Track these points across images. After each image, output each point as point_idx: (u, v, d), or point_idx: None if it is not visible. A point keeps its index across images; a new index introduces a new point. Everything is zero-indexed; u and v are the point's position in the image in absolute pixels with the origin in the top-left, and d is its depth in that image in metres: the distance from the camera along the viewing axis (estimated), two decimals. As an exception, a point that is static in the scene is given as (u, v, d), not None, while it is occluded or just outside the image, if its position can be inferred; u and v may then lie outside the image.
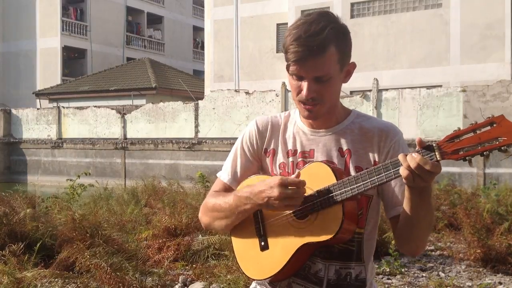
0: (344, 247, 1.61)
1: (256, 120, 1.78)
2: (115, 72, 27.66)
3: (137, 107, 21.58)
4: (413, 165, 1.39)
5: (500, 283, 5.39)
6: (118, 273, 4.35)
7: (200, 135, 19.64)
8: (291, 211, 1.58)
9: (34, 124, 23.26)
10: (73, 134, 22.32)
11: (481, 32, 17.91)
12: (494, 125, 1.34)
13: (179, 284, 5.08)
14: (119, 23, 33.30)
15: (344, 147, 1.66)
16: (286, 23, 20.89)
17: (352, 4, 20.13)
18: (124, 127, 21.12)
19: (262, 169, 1.76)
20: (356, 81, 17.48)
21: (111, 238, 5.25)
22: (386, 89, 17.29)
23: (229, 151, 1.83)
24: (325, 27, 1.54)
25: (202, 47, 31.88)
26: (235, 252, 1.72)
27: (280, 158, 1.71)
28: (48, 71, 30.30)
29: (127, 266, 4.47)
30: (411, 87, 17.17)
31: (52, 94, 27.01)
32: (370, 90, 17.15)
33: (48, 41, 30.29)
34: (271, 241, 1.62)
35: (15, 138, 23.59)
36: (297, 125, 1.73)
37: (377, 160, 1.64)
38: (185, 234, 6.29)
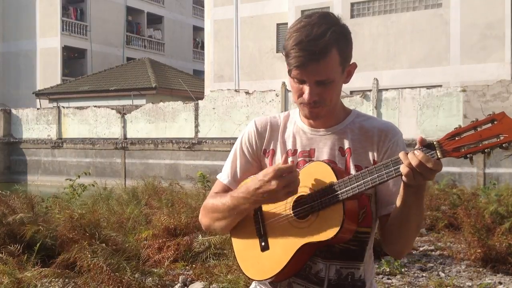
0: (345, 247, 1.60)
1: (255, 121, 1.77)
2: (115, 72, 27.66)
3: (137, 107, 21.58)
4: (414, 162, 1.38)
5: (500, 283, 5.39)
6: (117, 273, 4.34)
7: (200, 135, 19.64)
8: (292, 212, 1.57)
9: (34, 124, 23.26)
10: (73, 134, 22.32)
11: (481, 32, 17.91)
12: (495, 122, 1.33)
13: (179, 284, 5.08)
14: (119, 23, 33.30)
15: (345, 146, 1.66)
16: (286, 23, 20.89)
17: (352, 4, 20.12)
18: (124, 127, 21.12)
19: (261, 170, 1.73)
20: (356, 81, 17.47)
21: (110, 238, 5.25)
22: (386, 89, 17.29)
23: (229, 151, 1.83)
24: (326, 30, 1.53)
25: (202, 47, 31.88)
26: (235, 253, 1.72)
27: (279, 158, 1.70)
28: (48, 71, 30.30)
29: (126, 266, 4.47)
30: (411, 87, 17.17)
31: (52, 94, 27.02)
32: (370, 90, 17.15)
33: (48, 41, 30.29)
34: (271, 241, 1.61)
35: (15, 138, 23.60)
36: (297, 125, 1.73)
37: (376, 159, 1.64)
38: (185, 234, 6.28)
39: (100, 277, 4.29)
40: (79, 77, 28.86)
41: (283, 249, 1.58)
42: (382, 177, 1.47)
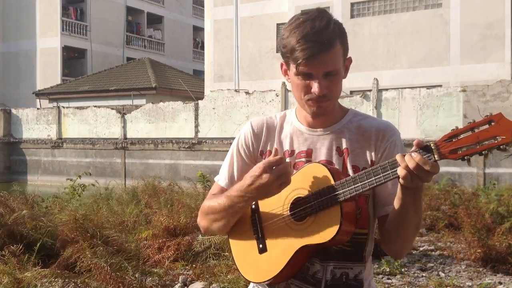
0: (339, 248, 1.60)
1: (251, 122, 1.76)
2: (115, 72, 27.66)
3: (137, 107, 21.58)
4: (411, 165, 1.38)
5: (500, 283, 5.39)
6: (118, 273, 4.34)
7: (200, 135, 19.64)
8: (289, 214, 1.57)
9: (34, 124, 23.26)
10: (73, 134, 22.32)
11: (481, 32, 17.91)
12: (493, 123, 1.32)
13: (179, 284, 5.08)
14: (119, 23, 33.30)
15: (342, 146, 1.65)
16: (285, 25, 20.84)
17: (352, 4, 20.12)
18: (124, 127, 21.12)
19: None
20: (356, 81, 17.58)
21: (111, 238, 5.25)
22: (386, 89, 17.28)
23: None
24: (329, 22, 1.55)
25: (202, 47, 31.88)
26: (233, 255, 1.71)
27: None
28: (48, 71, 30.30)
29: (127, 266, 4.47)
30: (411, 87, 17.16)
31: (52, 94, 27.02)
32: (370, 90, 17.15)
33: (48, 41, 30.29)
34: (269, 243, 1.61)
35: (15, 138, 23.60)
36: (293, 125, 1.71)
37: (373, 159, 1.63)
38: (185, 234, 6.29)
39: (101, 277, 4.29)
40: (79, 77, 28.85)
41: (281, 251, 1.57)
42: (379, 179, 1.46)
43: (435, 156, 1.38)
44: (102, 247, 4.60)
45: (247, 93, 19.16)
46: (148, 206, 8.35)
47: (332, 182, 1.51)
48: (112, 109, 21.72)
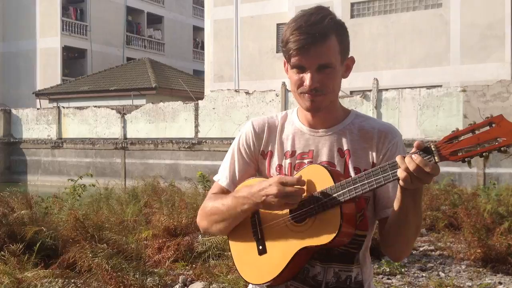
0: (345, 250, 1.59)
1: (252, 122, 1.75)
2: (115, 72, 27.66)
3: (137, 107, 21.58)
4: (412, 167, 1.37)
5: (500, 283, 5.39)
6: (119, 273, 4.34)
7: (200, 135, 19.64)
8: (289, 215, 1.56)
9: (34, 124, 23.26)
10: (73, 134, 22.33)
11: (481, 32, 17.91)
12: (493, 125, 1.32)
13: (179, 284, 5.08)
14: (119, 23, 33.30)
15: (344, 148, 1.64)
16: (286, 23, 20.85)
17: (352, 4, 20.13)
18: (124, 127, 21.12)
19: (258, 171, 1.73)
20: (356, 81, 17.57)
21: (112, 238, 5.25)
22: (386, 89, 17.29)
23: None
24: (325, 17, 1.56)
25: (202, 47, 31.87)
26: (233, 256, 1.70)
27: (276, 160, 1.69)
28: (48, 71, 30.30)
29: (128, 266, 4.47)
30: (411, 87, 17.17)
31: (52, 94, 27.02)
32: (370, 90, 17.15)
33: (48, 41, 30.29)
34: (269, 245, 1.60)
35: (15, 138, 23.60)
36: (295, 125, 1.71)
37: (375, 161, 1.62)
38: (185, 234, 6.29)
39: (102, 277, 4.29)
40: (79, 77, 28.86)
41: (281, 252, 1.56)
42: (379, 181, 1.45)
43: (436, 157, 1.37)
44: (102, 247, 4.60)
45: (247, 93, 19.16)
46: (148, 206, 8.35)
47: (332, 183, 1.51)
48: (112, 109, 21.72)
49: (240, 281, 4.52)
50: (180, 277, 5.23)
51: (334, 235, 1.47)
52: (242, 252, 1.67)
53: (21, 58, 31.13)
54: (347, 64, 1.65)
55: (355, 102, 17.09)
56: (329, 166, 1.60)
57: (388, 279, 5.52)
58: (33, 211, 6.63)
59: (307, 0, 20.22)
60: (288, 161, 1.67)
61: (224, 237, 5.66)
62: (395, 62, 19.33)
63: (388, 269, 5.71)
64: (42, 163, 22.90)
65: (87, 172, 9.83)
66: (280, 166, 1.68)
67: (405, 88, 17.01)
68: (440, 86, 17.37)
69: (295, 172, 1.63)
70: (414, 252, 6.75)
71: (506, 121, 1.31)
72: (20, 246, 5.08)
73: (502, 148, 1.32)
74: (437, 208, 8.66)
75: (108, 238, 5.17)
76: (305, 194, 1.54)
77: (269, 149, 1.71)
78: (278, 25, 21.89)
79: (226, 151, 1.81)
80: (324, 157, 1.64)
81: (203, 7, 26.65)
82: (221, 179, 1.75)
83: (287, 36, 1.57)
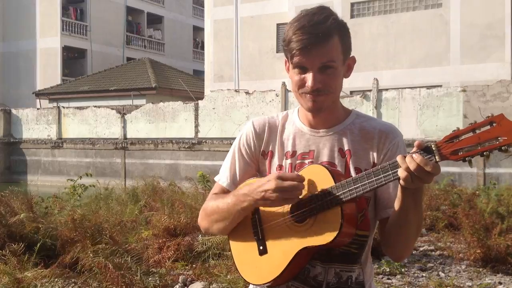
0: (346, 250, 1.59)
1: (253, 122, 1.75)
2: (115, 72, 27.66)
3: (137, 107, 21.58)
4: (412, 166, 1.37)
5: (500, 283, 5.39)
6: (121, 272, 4.34)
7: (200, 135, 19.64)
8: (289, 215, 1.56)
9: (34, 124, 23.26)
10: (73, 134, 22.33)
11: (481, 32, 17.91)
12: (494, 124, 1.32)
13: (179, 284, 5.08)
14: (119, 23, 33.30)
15: (345, 148, 1.64)
16: (286, 23, 20.67)
17: (352, 4, 20.13)
18: (124, 127, 21.12)
19: (259, 171, 1.73)
20: (356, 81, 17.56)
21: (111, 238, 5.25)
22: (386, 89, 17.29)
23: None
24: (328, 17, 1.56)
25: (202, 47, 31.87)
26: (233, 256, 1.70)
27: (277, 160, 1.69)
28: (48, 71, 30.30)
29: (131, 265, 4.47)
30: (411, 87, 17.17)
31: (52, 94, 27.02)
32: (370, 90, 17.15)
33: (48, 41, 30.29)
34: (269, 245, 1.60)
35: (15, 138, 23.60)
36: (296, 126, 1.70)
37: (376, 161, 1.62)
38: (185, 234, 6.28)
39: (104, 276, 4.29)
40: (79, 77, 28.86)
41: (282, 253, 1.56)
42: (380, 181, 1.45)
43: (436, 157, 1.37)
44: (103, 247, 4.60)
45: (247, 93, 19.16)
46: (148, 206, 8.35)
47: (333, 183, 1.51)
48: (112, 109, 21.72)
49: (240, 281, 4.52)
50: (180, 277, 5.23)
51: (335, 235, 1.47)
52: (243, 252, 1.67)
53: (21, 58, 31.13)
54: (349, 64, 1.65)
55: (355, 102, 17.08)
56: (330, 166, 1.59)
57: (388, 279, 5.52)
58: (34, 211, 6.63)
59: (307, 0, 20.30)
60: (288, 161, 1.67)
61: (224, 237, 5.67)
62: (395, 62, 19.33)
63: (388, 269, 5.71)
64: (42, 163, 22.90)
65: (87, 172, 9.83)
66: (280, 166, 1.68)
67: (405, 88, 17.01)
68: (440, 86, 17.38)
69: (296, 173, 1.63)
70: (414, 252, 6.75)
71: (507, 120, 1.31)
72: (21, 246, 5.09)
73: (502, 148, 1.32)
74: (437, 208, 8.66)
75: (108, 238, 5.17)
76: (305, 193, 1.54)
77: (270, 149, 1.71)
78: (278, 25, 21.88)
79: (226, 151, 1.80)
80: (325, 157, 1.64)
81: (203, 7, 26.65)
82: (222, 179, 1.75)
83: (290, 36, 1.56)
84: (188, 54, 37.86)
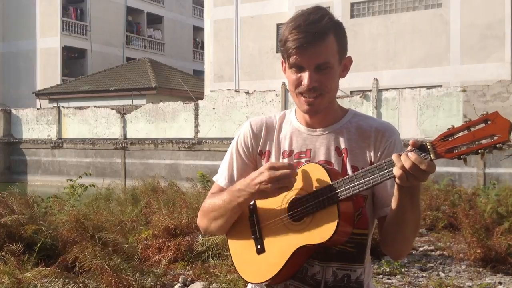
0: (342, 249, 1.59)
1: (250, 122, 1.76)
2: (115, 72, 27.66)
3: (137, 107, 21.59)
4: (407, 164, 1.37)
5: (500, 283, 5.39)
6: (118, 273, 4.35)
7: (200, 135, 19.65)
8: (287, 214, 1.56)
9: (34, 124, 23.26)
10: (73, 134, 22.33)
11: (481, 32, 17.91)
12: (489, 122, 1.32)
13: (179, 284, 5.08)
14: (119, 23, 33.30)
15: (342, 146, 1.64)
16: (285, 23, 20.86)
17: (352, 4, 20.13)
18: (124, 127, 21.12)
19: None
20: (356, 81, 17.58)
21: (111, 238, 5.25)
22: (386, 89, 17.29)
23: None
24: (323, 17, 1.57)
25: (202, 47, 31.87)
26: (231, 255, 1.71)
27: (274, 160, 1.69)
28: (48, 71, 30.30)
29: (127, 267, 4.47)
30: (411, 87, 17.17)
31: (52, 94, 27.02)
32: (370, 90, 17.15)
33: (48, 41, 30.29)
34: (267, 244, 1.60)
35: (15, 138, 23.60)
36: (293, 125, 1.71)
37: (373, 159, 1.63)
38: (185, 234, 6.28)
39: (101, 277, 4.29)
40: (79, 77, 28.86)
41: (279, 251, 1.56)
42: (376, 179, 1.46)
43: (431, 155, 1.37)
44: (101, 248, 4.59)
45: (247, 93, 19.16)
46: (148, 206, 8.34)
47: (329, 182, 1.51)
48: (112, 109, 21.73)
49: (240, 281, 4.52)
50: (180, 277, 5.23)
51: (331, 233, 1.47)
52: (241, 251, 1.67)
53: (21, 58, 31.14)
54: (345, 64, 1.66)
55: (355, 102, 17.08)
56: (327, 165, 1.60)
57: (388, 279, 5.52)
58: (33, 211, 6.63)
59: (307, 0, 20.29)
60: (285, 160, 1.67)
61: (224, 236, 5.66)
62: (395, 62, 19.33)
63: (388, 269, 5.71)
64: (42, 163, 22.90)
65: (87, 172, 9.83)
66: None
67: (405, 88, 17.01)
68: (440, 86, 17.38)
69: (294, 169, 1.63)
70: (414, 252, 6.76)
71: (502, 118, 1.31)
72: (20, 246, 5.08)
73: (497, 145, 1.31)
74: (437, 208, 8.66)
75: (108, 238, 5.17)
76: (302, 192, 1.55)
77: (267, 148, 1.72)
78: (278, 25, 21.88)
79: (226, 151, 1.81)
80: (321, 156, 1.65)
81: (203, 7, 26.66)
82: (220, 179, 1.76)
83: (286, 35, 1.58)
84: (188, 54, 37.87)
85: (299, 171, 1.58)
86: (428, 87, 16.77)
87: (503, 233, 6.08)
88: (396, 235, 1.57)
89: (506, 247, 5.81)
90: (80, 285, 4.30)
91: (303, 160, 1.66)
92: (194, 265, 5.65)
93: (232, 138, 1.82)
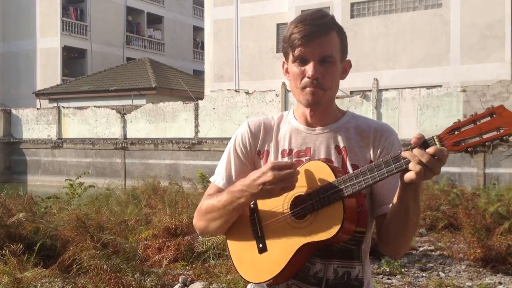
0: (343, 246, 1.59)
1: (248, 122, 1.75)
2: (115, 72, 27.66)
3: (137, 107, 21.59)
4: (425, 158, 1.36)
5: (500, 283, 5.39)
6: (117, 274, 4.34)
7: (200, 135, 19.64)
8: (289, 212, 1.56)
9: (34, 124, 23.26)
10: (73, 134, 22.33)
11: (481, 32, 17.91)
12: (494, 115, 1.33)
13: (179, 284, 5.08)
14: (119, 23, 33.30)
15: (341, 145, 1.65)
16: (286, 23, 20.88)
17: (352, 4, 20.12)
18: (124, 127, 21.12)
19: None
20: (356, 81, 17.58)
21: (111, 238, 5.25)
22: (386, 89, 17.28)
23: None
24: (327, 15, 1.63)
25: (202, 47, 31.88)
26: (231, 256, 1.69)
27: (273, 159, 1.68)
28: (48, 71, 30.30)
29: (126, 267, 4.46)
30: (411, 87, 17.17)
31: (52, 94, 27.02)
32: (370, 90, 17.14)
33: (48, 41, 30.29)
34: (269, 243, 1.59)
35: (15, 138, 23.60)
36: (291, 124, 1.71)
37: (372, 158, 1.63)
38: (185, 234, 6.28)
39: (100, 277, 4.29)
40: (79, 77, 28.86)
41: (282, 250, 1.55)
42: (382, 174, 1.45)
43: None
44: (101, 248, 4.59)
45: (247, 93, 19.17)
46: (149, 206, 8.35)
47: (334, 178, 1.50)
48: (112, 109, 21.73)
49: (240, 281, 4.52)
50: (180, 277, 5.23)
51: (337, 229, 1.47)
52: (242, 251, 1.66)
53: (21, 58, 31.13)
54: (344, 67, 1.68)
55: (355, 102, 17.08)
56: (329, 162, 1.60)
57: (388, 279, 5.52)
58: (33, 211, 6.63)
59: (307, 0, 20.29)
60: (285, 159, 1.67)
61: (224, 236, 5.65)
62: (395, 62, 19.33)
63: (388, 269, 5.71)
64: (42, 163, 22.90)
65: (87, 172, 9.83)
66: None
67: (405, 88, 17.01)
68: (440, 86, 17.38)
69: (297, 169, 1.63)
70: (414, 252, 6.76)
71: (508, 111, 1.33)
72: (20, 246, 5.08)
73: (504, 138, 1.34)
74: (437, 208, 8.66)
75: (108, 238, 5.17)
76: (305, 189, 1.54)
77: (266, 148, 1.72)
78: (278, 25, 21.89)
79: (226, 151, 1.80)
80: (322, 154, 1.65)
81: (203, 7, 26.66)
82: (218, 180, 1.75)
83: (291, 30, 1.61)
84: (188, 54, 37.87)
85: (301, 168, 1.57)
86: (428, 87, 16.77)
87: (503, 233, 6.08)
88: (397, 234, 1.57)
89: (506, 247, 5.81)
90: (80, 285, 4.30)
91: (303, 159, 1.65)
92: (194, 265, 5.65)
93: (233, 139, 1.81)
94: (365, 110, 16.40)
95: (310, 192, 1.53)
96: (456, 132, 1.37)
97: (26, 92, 29.53)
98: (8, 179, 22.17)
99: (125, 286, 4.34)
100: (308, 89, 1.59)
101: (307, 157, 1.65)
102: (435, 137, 1.39)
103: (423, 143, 1.40)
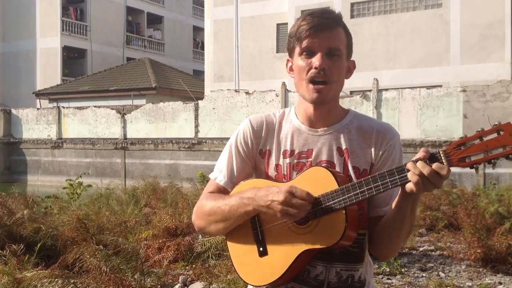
0: (345, 249, 1.59)
1: (250, 119, 1.72)
2: (115, 72, 27.66)
3: (137, 107, 21.58)
4: (426, 171, 1.37)
5: (500, 283, 5.39)
6: (117, 275, 4.34)
7: (200, 135, 19.64)
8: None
9: (34, 124, 23.26)
10: (73, 134, 22.32)
11: (481, 32, 17.91)
12: (501, 132, 1.33)
13: (179, 284, 5.08)
14: (119, 23, 33.29)
15: (343, 146, 1.64)
16: (286, 23, 20.89)
17: (352, 4, 20.12)
18: (124, 127, 21.12)
19: (256, 170, 1.71)
20: (356, 81, 17.53)
21: (111, 238, 5.25)
22: (386, 89, 17.28)
23: None
24: (335, 12, 1.63)
25: (202, 47, 31.87)
26: (231, 258, 1.68)
27: (274, 159, 1.67)
28: (48, 71, 30.30)
29: (126, 268, 4.46)
30: (411, 87, 17.16)
31: (52, 94, 27.02)
32: (370, 90, 17.14)
33: (48, 41, 30.28)
34: (270, 247, 1.59)
35: (15, 138, 23.59)
36: (293, 124, 1.69)
37: (373, 161, 1.63)
38: (185, 234, 6.28)
39: (100, 278, 4.29)
40: (79, 77, 28.85)
41: (283, 254, 1.55)
42: (386, 185, 1.45)
43: (445, 163, 1.38)
44: (101, 249, 4.59)
45: (247, 93, 19.16)
46: (149, 206, 8.35)
47: (336, 185, 1.50)
48: (112, 109, 21.72)
49: (240, 282, 4.52)
50: (180, 277, 5.23)
51: (338, 238, 1.47)
52: (242, 254, 1.65)
53: (21, 58, 31.13)
54: (349, 66, 1.67)
55: (355, 102, 17.08)
56: (329, 165, 1.60)
57: (388, 279, 5.52)
58: (33, 211, 6.63)
59: (307, 0, 20.28)
60: (287, 160, 1.65)
61: (223, 237, 5.64)
62: (395, 62, 19.33)
63: (388, 269, 5.71)
64: (42, 163, 22.90)
65: (87, 172, 9.83)
66: (277, 165, 1.66)
67: (405, 88, 17.00)
68: (440, 86, 17.37)
69: (294, 173, 1.62)
70: (414, 252, 6.76)
71: None
72: (21, 246, 5.08)
73: (510, 156, 1.33)
74: (437, 208, 8.66)
75: (108, 238, 5.17)
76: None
77: (267, 148, 1.69)
78: (278, 25, 21.89)
79: (226, 151, 1.79)
80: (324, 156, 1.64)
81: (203, 7, 26.65)
82: (219, 177, 1.72)
83: (299, 23, 1.60)
84: (188, 54, 37.86)
85: (303, 174, 1.57)
86: (428, 87, 16.77)
87: (503, 233, 6.08)
88: (391, 238, 1.57)
89: (506, 247, 5.81)
90: (79, 285, 4.29)
91: (304, 160, 1.64)
92: (194, 265, 5.65)
93: (233, 138, 1.79)
94: (365, 110, 16.39)
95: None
96: (462, 148, 1.37)
97: (26, 92, 29.52)
98: (8, 179, 22.17)
99: (125, 286, 4.34)
100: (312, 86, 1.58)
101: (309, 159, 1.64)
102: (441, 152, 1.39)
103: (431, 158, 1.39)
